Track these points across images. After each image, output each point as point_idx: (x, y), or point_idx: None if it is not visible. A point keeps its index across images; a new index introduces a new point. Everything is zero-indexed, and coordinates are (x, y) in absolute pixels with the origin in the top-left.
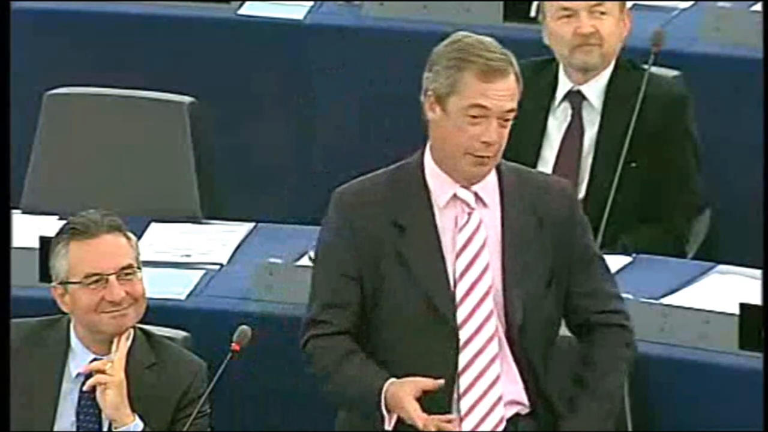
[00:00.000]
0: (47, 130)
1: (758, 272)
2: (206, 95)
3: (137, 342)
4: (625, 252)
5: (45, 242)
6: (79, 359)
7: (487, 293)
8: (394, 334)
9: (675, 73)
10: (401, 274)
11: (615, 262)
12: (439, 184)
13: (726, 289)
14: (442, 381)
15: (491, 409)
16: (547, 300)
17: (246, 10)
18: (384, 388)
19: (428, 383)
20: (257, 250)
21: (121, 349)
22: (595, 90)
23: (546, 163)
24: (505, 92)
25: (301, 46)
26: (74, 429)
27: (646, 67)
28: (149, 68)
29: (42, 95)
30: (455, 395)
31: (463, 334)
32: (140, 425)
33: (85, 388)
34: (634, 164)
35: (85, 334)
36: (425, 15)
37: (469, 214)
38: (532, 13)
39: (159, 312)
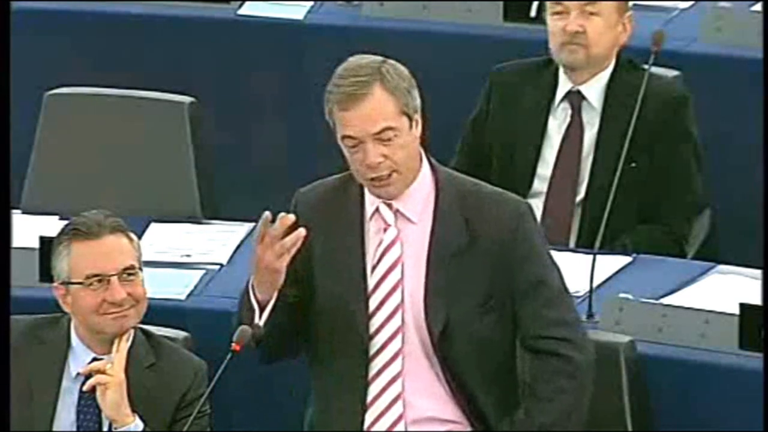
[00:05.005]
0: (47, 130)
1: (758, 272)
2: (206, 95)
3: (137, 342)
4: (625, 252)
5: (45, 242)
6: (80, 358)
7: (395, 311)
8: (320, 336)
9: (675, 73)
10: (325, 280)
11: (615, 262)
12: (368, 196)
13: (726, 289)
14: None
15: (391, 426)
16: (484, 319)
17: (246, 10)
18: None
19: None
20: None
21: (121, 349)
22: (594, 90)
23: (546, 163)
24: (366, 116)
25: (301, 46)
26: (74, 429)
27: (646, 67)
28: (149, 68)
29: (42, 95)
30: (364, 406)
31: (372, 348)
32: (140, 425)
33: (85, 388)
34: (634, 164)
35: (86, 334)
36: (425, 15)
37: (385, 230)
38: (532, 13)
39: (159, 312)
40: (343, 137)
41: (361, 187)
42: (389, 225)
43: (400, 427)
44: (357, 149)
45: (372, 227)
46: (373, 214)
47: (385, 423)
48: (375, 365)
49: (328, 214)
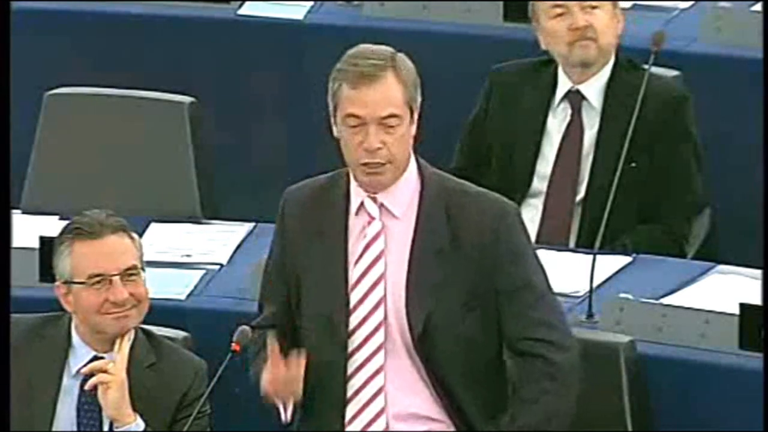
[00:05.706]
0: (47, 130)
1: (758, 272)
2: (206, 95)
3: (138, 342)
4: (625, 252)
5: (45, 242)
6: (80, 357)
7: (378, 304)
8: (304, 329)
9: (675, 73)
10: (309, 277)
11: (615, 262)
12: (354, 191)
13: (726, 289)
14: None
15: (372, 420)
16: (467, 320)
17: (246, 10)
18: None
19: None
20: (257, 250)
21: (123, 348)
22: (594, 90)
23: (546, 163)
24: (377, 98)
25: (301, 46)
26: (74, 427)
27: (646, 66)
28: (149, 68)
29: (42, 95)
30: (344, 400)
31: (352, 343)
32: (141, 425)
33: (86, 388)
34: (634, 164)
35: (87, 333)
36: (425, 15)
37: (369, 223)
38: None
39: (159, 312)
40: (347, 116)
41: (348, 183)
42: (373, 218)
43: (382, 420)
44: (358, 130)
45: (357, 222)
46: (358, 209)
47: (366, 416)
48: (357, 358)
49: (315, 211)
